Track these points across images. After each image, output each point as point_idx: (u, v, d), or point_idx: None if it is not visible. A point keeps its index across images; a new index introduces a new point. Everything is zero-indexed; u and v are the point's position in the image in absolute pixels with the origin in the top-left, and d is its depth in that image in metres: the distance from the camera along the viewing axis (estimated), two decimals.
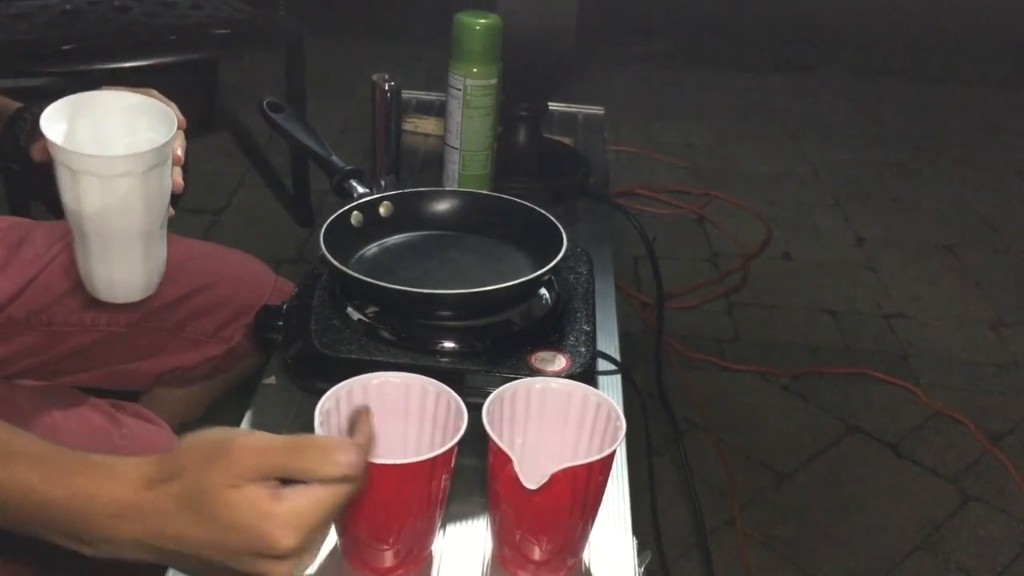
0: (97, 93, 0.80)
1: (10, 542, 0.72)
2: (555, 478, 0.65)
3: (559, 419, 0.75)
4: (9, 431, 0.63)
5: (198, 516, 0.57)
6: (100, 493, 0.59)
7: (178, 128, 0.80)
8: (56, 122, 0.76)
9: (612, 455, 0.69)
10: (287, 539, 0.56)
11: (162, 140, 0.76)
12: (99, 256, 0.80)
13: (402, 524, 0.69)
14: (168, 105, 0.83)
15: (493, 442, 0.68)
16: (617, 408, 0.72)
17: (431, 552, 0.75)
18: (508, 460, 0.66)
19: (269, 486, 0.57)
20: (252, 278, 1.16)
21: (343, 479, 0.58)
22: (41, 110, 0.76)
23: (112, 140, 0.79)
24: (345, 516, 0.68)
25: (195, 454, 0.58)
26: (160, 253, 0.83)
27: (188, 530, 0.58)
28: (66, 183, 0.74)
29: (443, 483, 0.69)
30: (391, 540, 0.70)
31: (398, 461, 0.64)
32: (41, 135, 0.74)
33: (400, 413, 0.74)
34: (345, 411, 0.72)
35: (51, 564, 0.85)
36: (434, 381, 0.73)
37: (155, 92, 0.86)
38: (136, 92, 0.81)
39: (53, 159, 0.74)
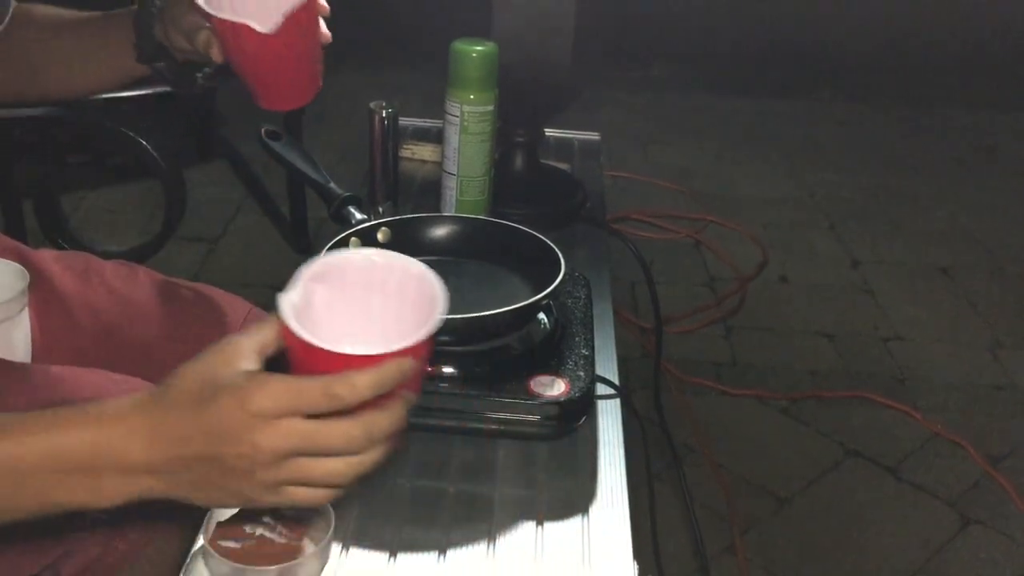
0: None
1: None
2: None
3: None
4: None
5: (199, 404, 0.58)
6: (109, 409, 0.60)
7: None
8: None
9: None
10: (266, 436, 0.56)
11: (6, 297, 0.82)
12: None
13: None
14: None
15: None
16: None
17: None
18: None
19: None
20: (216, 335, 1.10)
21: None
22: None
23: None
24: None
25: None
26: None
27: (189, 422, 0.58)
28: None
29: None
30: None
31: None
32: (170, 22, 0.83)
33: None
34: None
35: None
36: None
37: None
38: None
39: None
